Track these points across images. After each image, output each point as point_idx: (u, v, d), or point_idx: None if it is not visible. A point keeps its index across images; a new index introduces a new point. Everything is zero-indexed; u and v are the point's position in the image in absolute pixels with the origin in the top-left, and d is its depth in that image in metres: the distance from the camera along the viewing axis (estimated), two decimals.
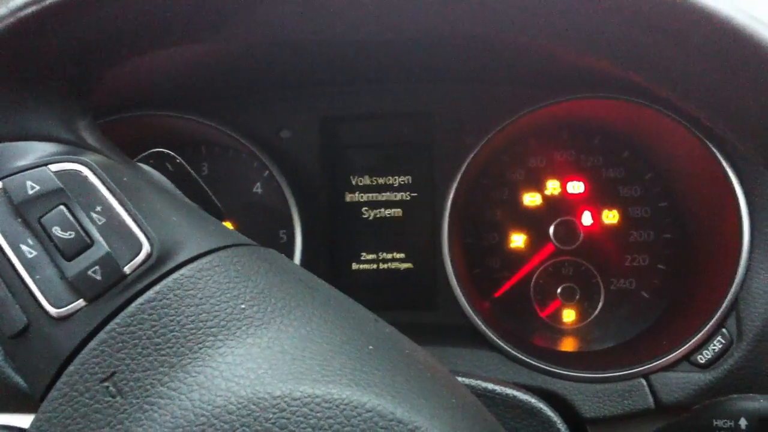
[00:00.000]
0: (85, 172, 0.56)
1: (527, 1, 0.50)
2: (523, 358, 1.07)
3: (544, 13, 0.50)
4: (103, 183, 0.56)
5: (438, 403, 0.53)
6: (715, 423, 0.75)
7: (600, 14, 0.49)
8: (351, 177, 1.33)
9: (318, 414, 0.48)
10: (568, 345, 1.24)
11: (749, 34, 0.46)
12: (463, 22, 0.52)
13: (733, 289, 1.02)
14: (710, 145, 1.05)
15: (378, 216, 1.33)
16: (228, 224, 1.27)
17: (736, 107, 0.50)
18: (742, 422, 0.74)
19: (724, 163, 1.04)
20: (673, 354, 1.04)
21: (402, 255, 1.33)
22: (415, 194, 1.31)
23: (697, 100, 0.52)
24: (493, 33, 0.52)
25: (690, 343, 1.03)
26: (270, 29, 0.58)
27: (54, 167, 0.55)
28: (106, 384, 0.50)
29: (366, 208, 1.33)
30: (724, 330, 1.03)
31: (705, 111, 0.52)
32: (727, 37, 0.47)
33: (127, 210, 0.55)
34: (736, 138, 0.53)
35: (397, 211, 1.32)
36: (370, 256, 1.33)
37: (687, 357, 1.04)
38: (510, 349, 1.08)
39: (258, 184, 1.32)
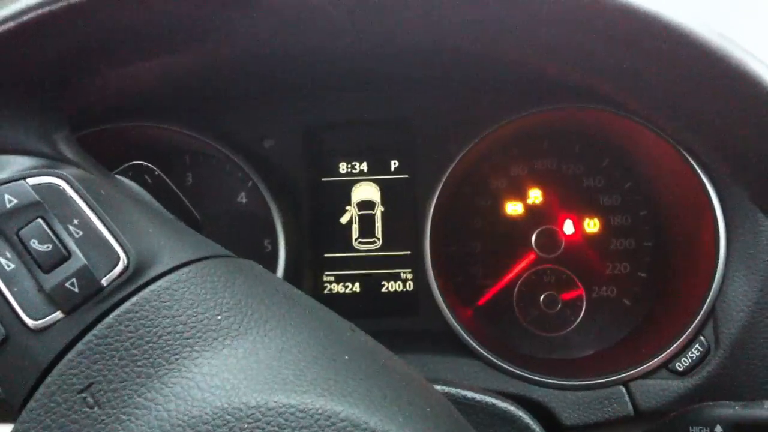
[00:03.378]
0: (63, 185, 0.56)
1: (484, 13, 0.51)
2: (503, 365, 1.08)
3: (511, 26, 0.51)
4: (81, 196, 0.56)
5: (412, 412, 0.54)
6: (691, 430, 0.76)
7: (557, 25, 0.50)
8: (334, 185, 1.33)
9: (292, 423, 0.49)
10: (549, 352, 1.25)
11: (697, 38, 0.47)
12: (421, 35, 0.53)
13: (710, 297, 1.04)
14: (687, 156, 1.06)
15: (362, 224, 1.33)
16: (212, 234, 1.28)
17: (701, 117, 0.51)
18: (718, 429, 0.75)
19: (700, 173, 1.06)
20: (652, 361, 1.05)
21: (386, 262, 1.34)
22: (399, 201, 1.32)
23: (662, 110, 0.53)
24: (452, 46, 0.53)
25: (668, 350, 1.05)
26: (246, 42, 0.59)
27: (31, 181, 0.56)
28: (83, 395, 0.51)
29: (350, 217, 1.33)
30: (701, 338, 1.04)
31: (671, 120, 0.53)
32: (677, 42, 0.48)
33: (104, 223, 0.56)
34: (703, 148, 0.54)
35: (381, 219, 1.33)
36: (354, 265, 1.34)
37: (665, 364, 1.05)
38: (490, 356, 1.09)
39: (242, 193, 1.33)
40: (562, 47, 0.54)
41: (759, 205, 0.56)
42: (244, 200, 1.33)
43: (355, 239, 1.33)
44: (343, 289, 1.34)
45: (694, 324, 1.04)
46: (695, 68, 0.50)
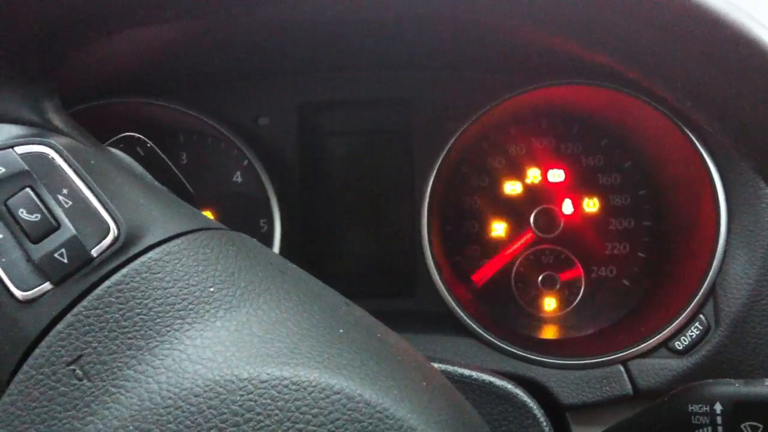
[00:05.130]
0: (52, 154, 0.55)
1: None
2: (501, 344, 1.07)
3: None
4: (70, 166, 0.55)
5: (407, 385, 0.53)
6: (690, 408, 0.75)
7: None
8: (330, 164, 1.32)
9: (285, 396, 0.48)
10: (548, 332, 1.25)
11: (698, 4, 0.46)
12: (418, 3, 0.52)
13: (710, 276, 1.03)
14: (688, 132, 1.05)
15: (357, 203, 1.33)
16: (208, 213, 1.27)
17: (702, 86, 0.50)
18: (717, 407, 0.74)
19: (702, 150, 1.05)
20: (651, 340, 1.04)
21: (383, 243, 1.33)
22: (396, 182, 1.31)
23: (663, 79, 0.52)
24: (451, 13, 0.52)
25: (668, 329, 1.04)
26: (240, 7, 0.58)
27: (20, 149, 0.55)
28: (72, 367, 0.50)
29: (346, 196, 1.33)
30: (701, 316, 1.03)
31: (672, 90, 0.52)
32: (688, 13, 0.47)
33: (94, 193, 0.55)
34: (705, 119, 0.53)
35: (378, 199, 1.32)
36: (351, 244, 1.33)
37: (665, 343, 1.05)
38: (488, 336, 1.08)
39: (238, 173, 1.32)
40: (560, 17, 0.53)
41: (763, 176, 0.55)
42: (239, 180, 1.32)
43: (351, 219, 1.33)
44: (340, 269, 1.34)
45: (694, 302, 1.03)
46: (696, 35, 0.49)
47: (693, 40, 0.49)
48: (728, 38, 0.48)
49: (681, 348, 1.03)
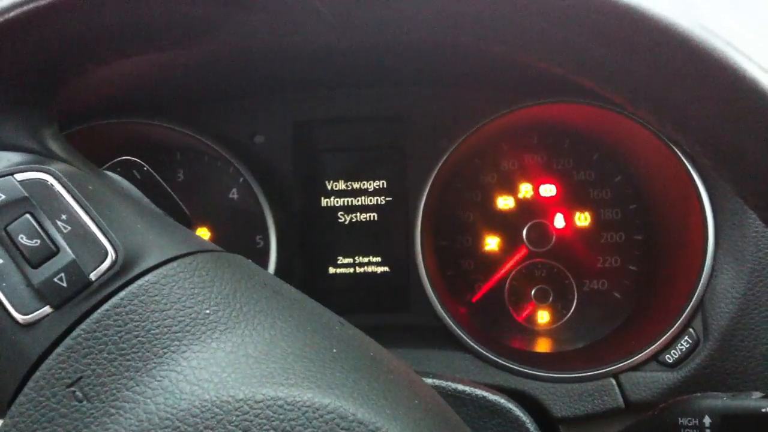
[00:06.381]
0: (51, 180, 0.57)
1: (470, 7, 0.51)
2: (495, 358, 1.08)
3: (488, 20, 0.51)
4: (69, 192, 0.56)
5: (400, 403, 0.54)
6: (680, 421, 0.76)
7: (530, 15, 0.50)
8: (326, 181, 1.33)
9: (280, 416, 0.49)
10: (541, 346, 1.26)
11: (678, 30, 0.48)
12: (410, 31, 0.53)
13: (698, 290, 1.04)
14: (674, 148, 1.06)
15: (353, 220, 1.34)
16: (204, 230, 1.28)
17: (680, 109, 0.51)
18: (706, 420, 0.75)
19: (688, 166, 1.06)
20: (642, 354, 1.05)
21: (378, 258, 1.34)
22: (390, 198, 1.32)
23: (644, 102, 0.53)
24: (439, 41, 0.53)
25: (658, 342, 1.05)
26: (237, 39, 0.59)
27: (19, 176, 0.56)
28: (72, 389, 0.51)
29: (341, 213, 1.34)
30: (691, 330, 1.05)
31: (652, 114, 0.53)
32: (657, 34, 0.48)
33: (92, 218, 0.56)
34: (685, 142, 0.55)
35: (372, 215, 1.33)
36: (347, 260, 1.34)
37: (655, 357, 1.06)
38: (481, 350, 1.09)
39: (234, 189, 1.33)
40: (545, 42, 0.54)
41: (742, 198, 0.57)
42: (235, 196, 1.33)
43: (347, 235, 1.34)
44: (335, 284, 1.35)
45: (683, 316, 1.04)
46: (675, 61, 0.50)
47: (673, 67, 0.50)
48: (709, 66, 0.49)
49: (671, 361, 1.05)
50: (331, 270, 1.34)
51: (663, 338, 1.05)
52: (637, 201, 1.27)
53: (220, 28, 0.58)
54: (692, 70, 0.50)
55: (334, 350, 0.56)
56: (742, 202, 0.58)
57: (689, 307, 1.04)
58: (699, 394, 0.77)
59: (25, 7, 0.53)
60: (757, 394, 0.72)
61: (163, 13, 0.55)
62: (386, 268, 1.33)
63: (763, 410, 0.70)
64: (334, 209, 1.34)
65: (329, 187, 1.33)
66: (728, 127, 0.52)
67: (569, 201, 1.29)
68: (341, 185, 1.33)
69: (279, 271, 1.21)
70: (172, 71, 1.11)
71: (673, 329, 1.04)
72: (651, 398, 1.04)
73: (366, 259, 1.34)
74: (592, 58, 0.52)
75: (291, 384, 0.51)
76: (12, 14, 0.53)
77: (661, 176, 1.17)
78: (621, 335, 1.21)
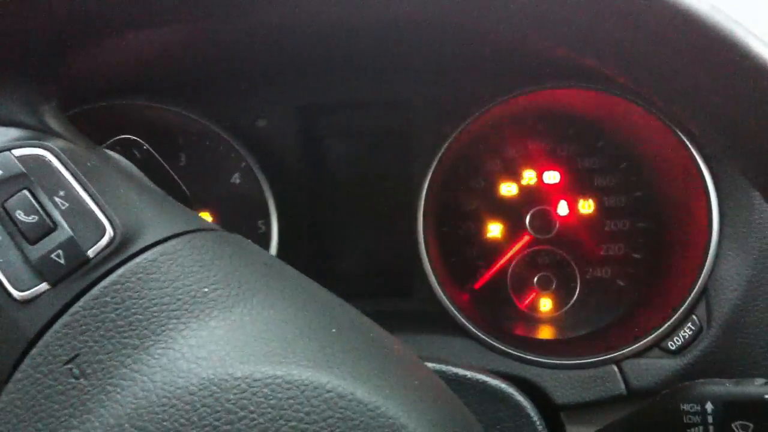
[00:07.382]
0: (49, 157, 0.56)
1: None
2: (496, 344, 1.08)
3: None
4: (66, 168, 0.56)
5: (399, 383, 0.54)
6: (682, 407, 0.76)
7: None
8: (328, 166, 1.33)
9: (279, 394, 0.49)
10: (543, 333, 1.25)
11: (687, 10, 0.47)
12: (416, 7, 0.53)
13: (702, 277, 1.04)
14: (681, 135, 1.06)
15: (356, 205, 1.33)
16: (206, 215, 1.28)
17: (690, 89, 0.51)
18: (708, 406, 0.75)
19: (695, 153, 1.06)
20: (645, 341, 1.05)
21: (380, 244, 1.34)
22: (393, 183, 1.32)
23: (650, 83, 0.53)
24: (444, 20, 0.53)
25: (661, 329, 1.05)
26: (241, 11, 0.58)
27: (17, 152, 0.56)
28: (69, 366, 0.51)
29: (344, 197, 1.33)
30: (694, 317, 1.04)
31: (659, 94, 0.53)
32: (674, 17, 0.47)
33: (90, 194, 0.55)
34: (693, 122, 0.54)
35: (376, 201, 1.33)
36: (349, 246, 1.34)
37: (658, 343, 1.05)
38: (483, 336, 1.09)
39: (236, 174, 1.32)
40: (552, 21, 0.53)
41: (750, 178, 0.56)
42: (237, 181, 1.32)
43: (349, 220, 1.34)
44: (337, 270, 1.34)
45: (686, 303, 1.04)
46: (686, 41, 0.49)
47: (680, 45, 0.50)
48: (719, 46, 0.49)
49: (674, 348, 1.04)
50: (333, 255, 1.34)
51: (666, 325, 1.04)
52: (642, 188, 1.26)
53: (224, 2, 0.57)
54: (700, 50, 0.50)
55: (334, 330, 0.56)
56: (750, 184, 0.57)
57: (693, 294, 1.04)
58: (702, 380, 0.77)
59: None
60: (759, 381, 0.72)
61: None
62: (389, 254, 1.33)
63: (766, 396, 0.69)
64: (337, 194, 1.33)
65: (332, 172, 1.33)
66: (739, 106, 0.51)
67: (573, 188, 1.28)
68: (344, 169, 1.33)
69: (281, 257, 1.21)
70: (175, 53, 1.10)
71: (676, 316, 1.04)
72: (653, 385, 1.04)
73: (368, 245, 1.34)
74: (597, 37, 0.52)
75: (289, 362, 0.51)
76: None
77: (665, 163, 1.16)
78: (624, 322, 1.21)
